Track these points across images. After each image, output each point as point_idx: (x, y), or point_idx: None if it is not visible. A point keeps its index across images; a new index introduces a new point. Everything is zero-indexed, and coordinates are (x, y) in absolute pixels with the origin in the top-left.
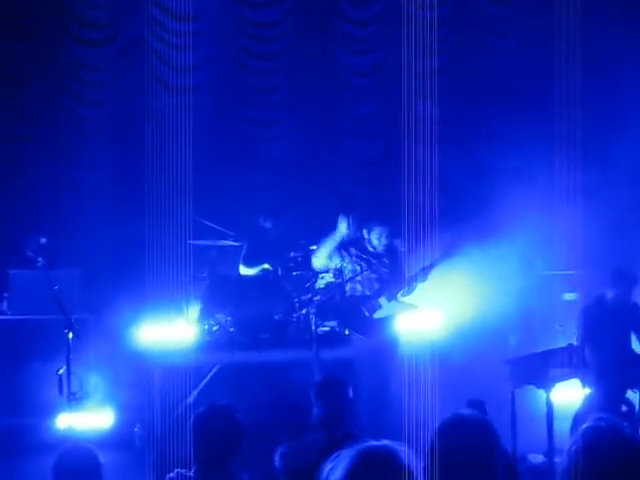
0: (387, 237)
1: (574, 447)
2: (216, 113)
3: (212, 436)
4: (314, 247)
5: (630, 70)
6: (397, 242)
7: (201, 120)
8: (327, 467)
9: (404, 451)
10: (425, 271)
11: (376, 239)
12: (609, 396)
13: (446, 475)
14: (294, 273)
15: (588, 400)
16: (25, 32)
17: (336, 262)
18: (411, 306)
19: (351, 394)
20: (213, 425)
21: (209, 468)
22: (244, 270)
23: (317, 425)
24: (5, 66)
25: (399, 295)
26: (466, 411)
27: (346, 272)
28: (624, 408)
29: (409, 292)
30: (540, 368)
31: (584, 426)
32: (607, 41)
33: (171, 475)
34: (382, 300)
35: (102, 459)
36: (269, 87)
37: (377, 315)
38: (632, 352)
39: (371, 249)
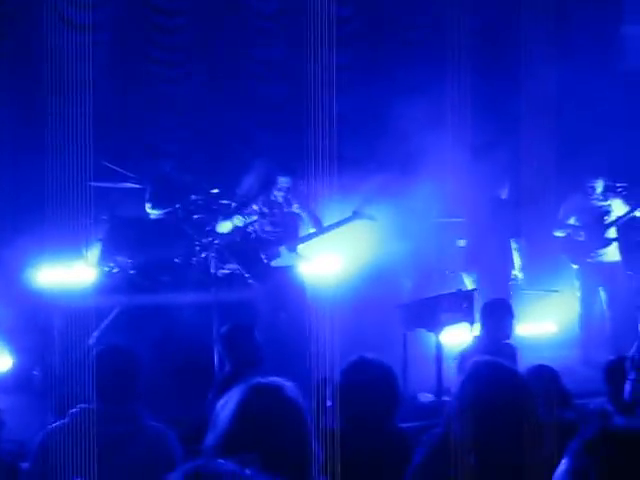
0: (293, 186)
1: (461, 379)
2: (120, 52)
3: (111, 372)
4: (215, 190)
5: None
6: (302, 189)
7: (104, 59)
8: (220, 403)
9: (291, 386)
10: (328, 228)
11: (283, 187)
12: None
13: (353, 411)
14: (195, 216)
15: (475, 342)
16: None
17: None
18: (306, 259)
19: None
20: (112, 362)
21: (109, 403)
22: (151, 211)
23: (230, 378)
24: None
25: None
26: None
27: (248, 217)
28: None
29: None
30: (430, 312)
31: (471, 361)
32: None
33: (73, 410)
34: (282, 249)
35: None
36: (174, 26)
37: (274, 263)
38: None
39: (277, 196)
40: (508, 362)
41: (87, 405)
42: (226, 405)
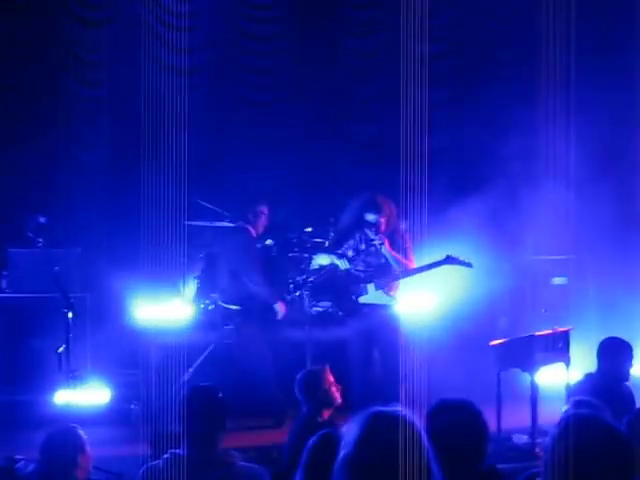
0: (380, 221)
1: (557, 433)
2: (216, 94)
3: (199, 418)
4: (309, 228)
5: None
6: (401, 227)
7: (199, 101)
8: (342, 430)
9: (411, 415)
10: (419, 270)
11: (373, 224)
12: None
13: (439, 454)
14: (290, 254)
15: (586, 380)
16: (24, 10)
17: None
18: (393, 300)
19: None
20: (200, 407)
21: (199, 446)
22: None
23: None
24: (5, 44)
25: (388, 285)
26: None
27: (345, 257)
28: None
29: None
30: (525, 352)
31: (564, 411)
32: None
33: (166, 456)
34: (370, 286)
35: (84, 435)
36: (267, 68)
37: (363, 300)
38: None
39: (372, 235)
40: (611, 417)
41: (179, 451)
42: (348, 432)
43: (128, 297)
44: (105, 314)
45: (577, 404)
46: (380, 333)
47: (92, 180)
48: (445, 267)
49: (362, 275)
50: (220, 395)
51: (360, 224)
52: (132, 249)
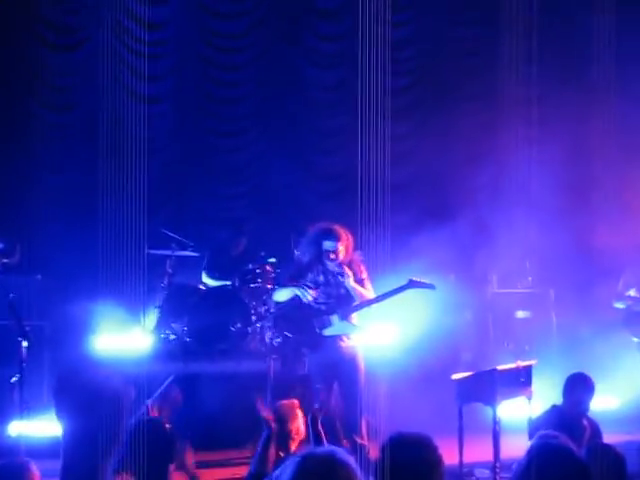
0: (336, 252)
1: (523, 462)
2: (180, 122)
3: (145, 446)
4: (272, 259)
5: None
6: (357, 256)
7: (165, 129)
8: (276, 472)
9: (346, 455)
10: (382, 297)
11: (331, 253)
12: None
13: None
14: (252, 285)
15: (551, 412)
16: None
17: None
18: (359, 328)
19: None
20: (145, 436)
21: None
22: (207, 280)
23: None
24: None
25: (351, 315)
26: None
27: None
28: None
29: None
30: (487, 386)
31: (532, 443)
32: None
33: None
34: (334, 318)
35: (35, 470)
36: (234, 98)
37: (327, 332)
38: None
39: (334, 267)
40: (577, 449)
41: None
42: (281, 475)
43: (88, 326)
44: (64, 343)
45: (544, 436)
46: (341, 366)
47: (54, 206)
48: (409, 295)
49: (323, 307)
50: (167, 427)
51: (318, 255)
52: (93, 277)
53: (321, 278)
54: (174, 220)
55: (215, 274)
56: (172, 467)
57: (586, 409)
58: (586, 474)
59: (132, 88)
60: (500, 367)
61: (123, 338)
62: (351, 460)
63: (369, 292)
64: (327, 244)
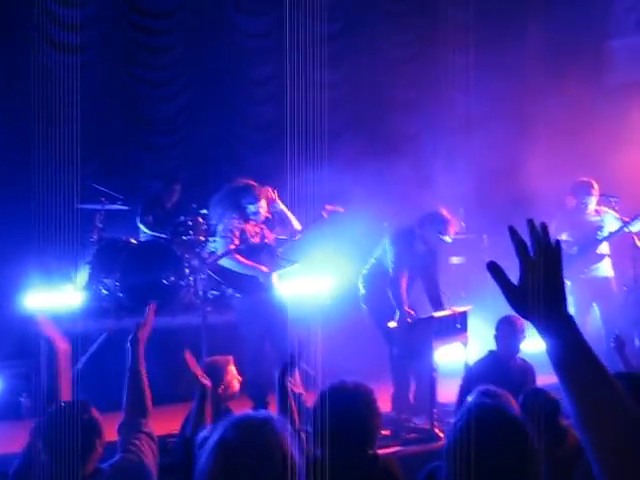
0: (259, 209)
1: (459, 423)
2: (107, 72)
3: (65, 434)
4: (204, 211)
5: None
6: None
7: (91, 80)
8: (201, 435)
9: (280, 421)
10: (307, 228)
11: (260, 207)
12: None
13: (330, 436)
14: (184, 237)
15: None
16: None
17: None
18: (291, 262)
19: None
20: (66, 425)
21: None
22: (143, 228)
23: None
24: None
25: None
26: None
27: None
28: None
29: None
30: (423, 333)
31: (470, 401)
32: None
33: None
34: (264, 257)
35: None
36: (162, 46)
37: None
38: None
39: (254, 216)
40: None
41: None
42: (207, 439)
43: (17, 283)
44: None
45: (481, 394)
46: (273, 314)
47: None
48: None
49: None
50: (90, 413)
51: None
52: (22, 234)
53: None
54: (103, 173)
55: (149, 219)
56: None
57: (516, 351)
58: (524, 437)
59: (55, 38)
60: (436, 314)
61: (54, 295)
62: (287, 430)
63: (295, 224)
64: (250, 207)
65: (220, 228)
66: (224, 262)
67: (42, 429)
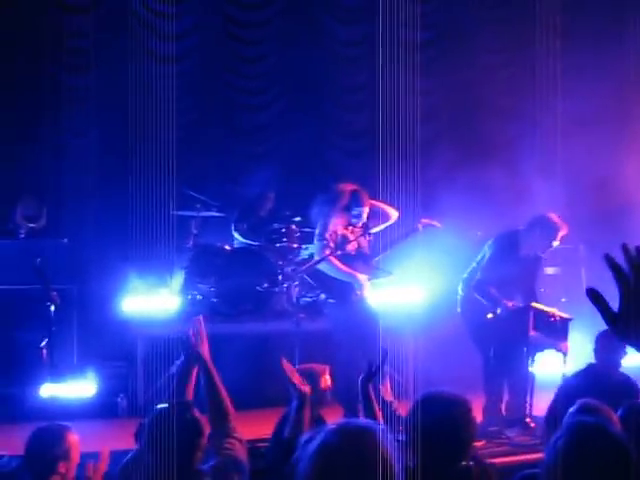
0: (362, 214)
1: (559, 442)
2: (201, 82)
3: (170, 435)
4: (298, 218)
5: None
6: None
7: (186, 89)
8: (304, 437)
9: (382, 430)
10: (394, 242)
11: (364, 212)
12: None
13: (422, 447)
14: (278, 244)
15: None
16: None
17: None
18: (387, 272)
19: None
20: (171, 424)
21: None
22: (237, 236)
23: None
24: None
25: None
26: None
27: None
28: None
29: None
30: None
31: (568, 420)
32: None
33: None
34: (359, 265)
35: (74, 437)
36: (255, 56)
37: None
38: None
39: (356, 220)
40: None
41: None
42: (310, 442)
43: (115, 288)
44: (92, 306)
45: (581, 409)
46: (365, 324)
47: (80, 170)
48: (434, 254)
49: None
50: (193, 413)
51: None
52: (120, 240)
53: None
54: (198, 180)
55: (244, 226)
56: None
57: (617, 365)
58: (626, 456)
59: (152, 48)
60: (536, 305)
61: (151, 300)
62: (388, 440)
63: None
64: (355, 211)
65: (318, 231)
66: (321, 266)
67: (147, 428)
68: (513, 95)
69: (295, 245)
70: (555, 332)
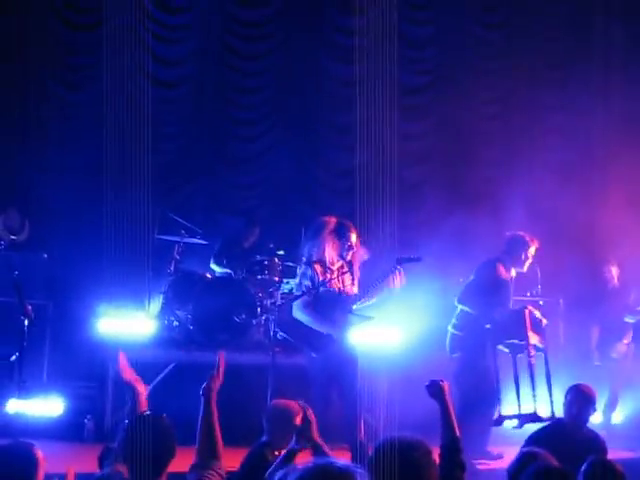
0: (350, 248)
1: None
2: (197, 108)
3: (143, 443)
4: (281, 252)
5: None
6: (362, 252)
7: (182, 114)
8: (279, 474)
9: (361, 473)
10: (378, 282)
11: (345, 250)
12: None
13: None
14: (259, 277)
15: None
16: (13, 11)
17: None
18: (367, 318)
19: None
20: (144, 433)
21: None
22: (214, 267)
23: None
24: None
25: (357, 306)
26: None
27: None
28: None
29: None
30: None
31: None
32: None
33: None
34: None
35: (40, 455)
36: (252, 87)
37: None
38: None
39: (346, 253)
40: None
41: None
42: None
43: (92, 308)
44: (67, 324)
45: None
46: (343, 367)
47: (65, 187)
48: (412, 296)
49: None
50: (166, 422)
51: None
52: (100, 259)
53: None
54: (184, 206)
55: (223, 261)
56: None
57: (584, 421)
58: None
59: (151, 72)
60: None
61: (126, 322)
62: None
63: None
64: (345, 239)
65: (304, 258)
66: (297, 315)
67: (120, 441)
68: (502, 145)
69: (276, 278)
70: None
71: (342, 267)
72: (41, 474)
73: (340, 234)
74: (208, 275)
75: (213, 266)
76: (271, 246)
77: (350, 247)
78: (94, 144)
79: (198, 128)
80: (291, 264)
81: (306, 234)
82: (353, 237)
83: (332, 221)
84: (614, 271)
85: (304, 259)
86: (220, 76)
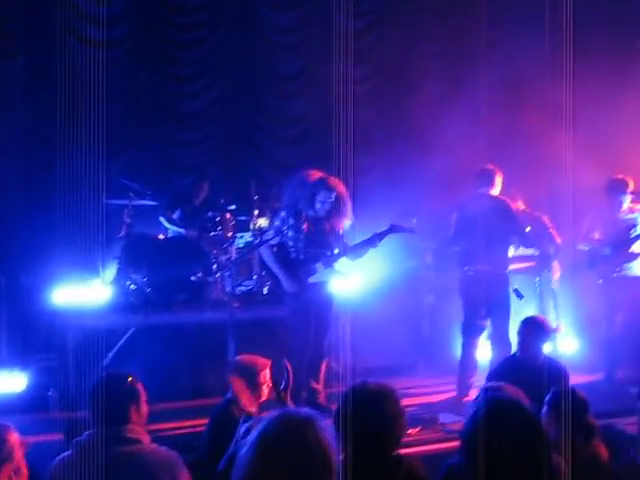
0: (329, 202)
1: (479, 414)
2: (136, 68)
3: (106, 398)
4: (233, 207)
5: None
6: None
7: (121, 75)
8: (244, 426)
9: (323, 421)
10: (369, 242)
11: (320, 202)
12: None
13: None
14: (212, 233)
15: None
16: None
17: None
18: (342, 274)
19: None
20: (107, 389)
21: (106, 423)
22: (167, 225)
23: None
24: None
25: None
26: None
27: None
28: None
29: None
30: None
31: (485, 396)
32: None
33: (81, 438)
34: (319, 266)
35: (14, 437)
36: (190, 41)
37: (312, 280)
38: None
39: (312, 212)
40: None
41: (83, 437)
42: (250, 431)
43: (45, 280)
44: (21, 297)
45: (489, 389)
46: (318, 311)
47: (8, 158)
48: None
49: (310, 257)
50: (130, 380)
51: (311, 205)
52: (49, 230)
53: (305, 227)
54: (132, 168)
55: (172, 217)
56: (133, 407)
57: (537, 350)
58: (536, 428)
59: (83, 33)
60: None
61: (82, 290)
62: (327, 430)
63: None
64: (323, 195)
65: (277, 223)
66: (268, 263)
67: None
68: (447, 82)
69: (230, 234)
70: None
71: (321, 222)
72: (19, 456)
73: (326, 189)
74: (161, 236)
75: (162, 219)
76: (222, 201)
77: (323, 203)
78: (34, 112)
79: (140, 88)
80: (244, 217)
81: (290, 185)
82: (335, 194)
83: (317, 175)
84: None
85: (284, 213)
86: (158, 32)
